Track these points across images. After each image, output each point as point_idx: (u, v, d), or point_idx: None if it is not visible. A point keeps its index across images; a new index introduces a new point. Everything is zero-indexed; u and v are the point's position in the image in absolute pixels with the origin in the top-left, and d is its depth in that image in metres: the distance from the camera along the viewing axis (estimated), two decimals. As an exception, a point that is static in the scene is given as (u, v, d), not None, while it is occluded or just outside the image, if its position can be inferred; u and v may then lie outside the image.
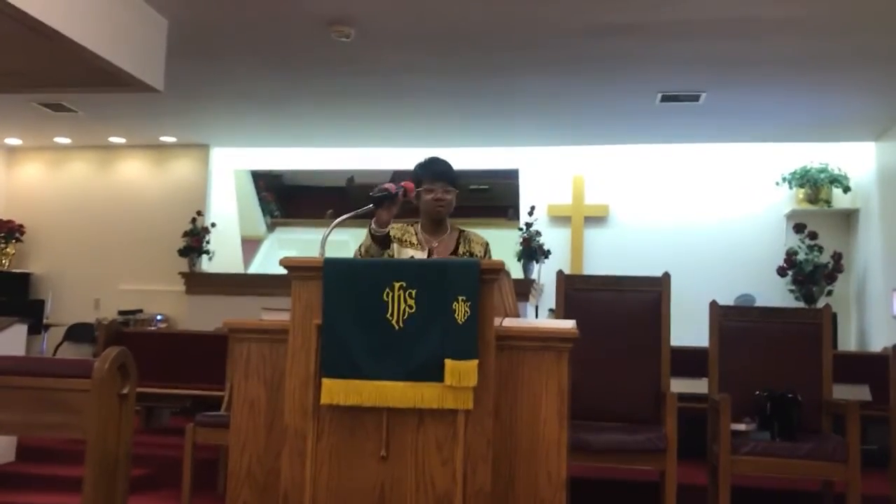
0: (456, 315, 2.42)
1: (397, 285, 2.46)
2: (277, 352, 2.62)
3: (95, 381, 2.69)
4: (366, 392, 2.43)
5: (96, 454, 2.67)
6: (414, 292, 2.45)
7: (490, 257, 3.32)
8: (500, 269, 2.48)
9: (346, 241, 4.34)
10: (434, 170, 3.30)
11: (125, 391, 2.80)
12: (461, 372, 2.38)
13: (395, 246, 3.24)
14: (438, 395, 2.40)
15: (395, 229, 3.29)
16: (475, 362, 2.39)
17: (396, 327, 2.45)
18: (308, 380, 2.49)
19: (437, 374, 2.40)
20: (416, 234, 3.37)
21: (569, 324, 2.61)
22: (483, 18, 5.45)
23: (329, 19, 5.45)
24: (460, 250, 3.31)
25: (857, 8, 5.13)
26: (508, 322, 2.62)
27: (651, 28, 5.52)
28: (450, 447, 2.41)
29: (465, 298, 2.42)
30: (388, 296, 2.46)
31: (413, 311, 2.45)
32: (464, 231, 3.41)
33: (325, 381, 2.45)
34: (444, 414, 2.42)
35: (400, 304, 2.46)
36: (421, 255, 3.27)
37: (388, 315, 2.46)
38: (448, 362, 2.40)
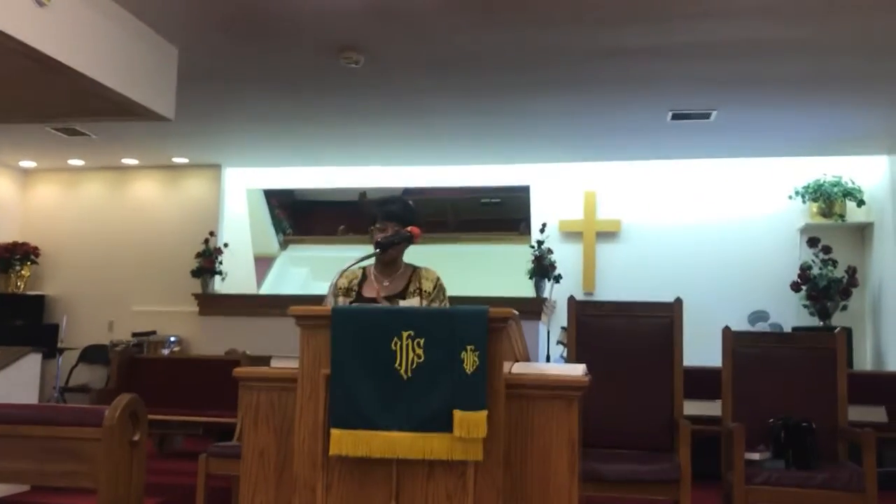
0: (464, 365, 2.40)
1: (405, 334, 2.45)
2: (287, 400, 2.62)
3: (106, 430, 2.69)
4: (374, 443, 2.41)
5: (107, 503, 2.67)
6: (422, 341, 2.44)
7: (441, 292, 3.33)
8: (508, 317, 2.46)
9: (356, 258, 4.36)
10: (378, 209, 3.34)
11: (136, 438, 2.80)
12: (470, 423, 2.37)
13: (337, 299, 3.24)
14: (447, 446, 2.38)
15: (343, 278, 3.30)
16: (484, 413, 2.37)
17: (405, 377, 2.44)
18: (317, 430, 2.48)
19: (446, 425, 2.38)
20: (369, 276, 3.36)
21: (579, 369, 2.59)
22: (493, 42, 5.45)
23: (339, 47, 5.47)
24: (411, 287, 3.31)
25: (863, 29, 5.10)
26: (518, 368, 2.60)
27: (662, 50, 5.51)
28: (460, 498, 2.39)
29: (473, 348, 2.40)
30: (396, 345, 2.45)
31: (421, 360, 2.43)
32: (417, 269, 3.39)
33: (334, 432, 2.44)
34: (454, 465, 2.40)
35: (408, 353, 2.45)
36: (345, 300, 3.26)
37: (397, 365, 2.44)
38: (457, 413, 2.38)
